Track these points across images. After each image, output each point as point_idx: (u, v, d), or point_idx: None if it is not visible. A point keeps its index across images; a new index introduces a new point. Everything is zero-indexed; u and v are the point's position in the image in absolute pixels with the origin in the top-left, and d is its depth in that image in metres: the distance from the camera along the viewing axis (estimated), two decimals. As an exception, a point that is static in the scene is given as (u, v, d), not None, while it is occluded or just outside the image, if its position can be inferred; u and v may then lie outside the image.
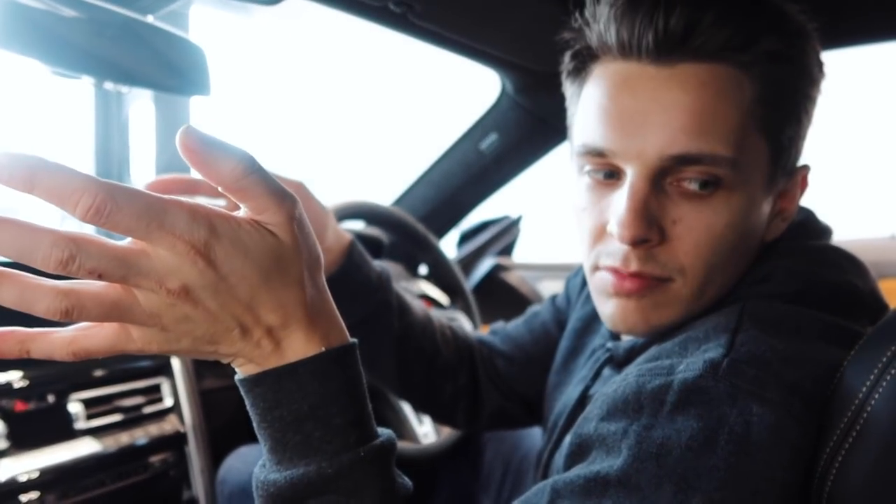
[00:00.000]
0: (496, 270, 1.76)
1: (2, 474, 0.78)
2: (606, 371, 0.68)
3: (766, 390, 0.47)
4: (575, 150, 0.60)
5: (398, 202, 1.53)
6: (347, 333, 0.45)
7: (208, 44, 0.79)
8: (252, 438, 0.62)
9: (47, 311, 0.35)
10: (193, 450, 0.99)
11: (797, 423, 0.46)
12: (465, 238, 1.78)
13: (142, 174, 1.37)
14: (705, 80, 0.53)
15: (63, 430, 0.86)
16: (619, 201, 0.55)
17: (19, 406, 0.83)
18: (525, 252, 1.95)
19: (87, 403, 0.89)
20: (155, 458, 0.95)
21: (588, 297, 0.80)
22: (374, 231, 1.39)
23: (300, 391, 0.41)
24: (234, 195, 0.39)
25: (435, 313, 0.91)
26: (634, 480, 0.45)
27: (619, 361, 0.65)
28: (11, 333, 0.37)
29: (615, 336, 0.69)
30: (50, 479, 0.81)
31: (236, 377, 0.43)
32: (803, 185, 0.62)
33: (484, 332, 1.01)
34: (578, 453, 0.51)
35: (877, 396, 0.45)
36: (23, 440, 0.82)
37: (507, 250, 1.87)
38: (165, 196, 0.36)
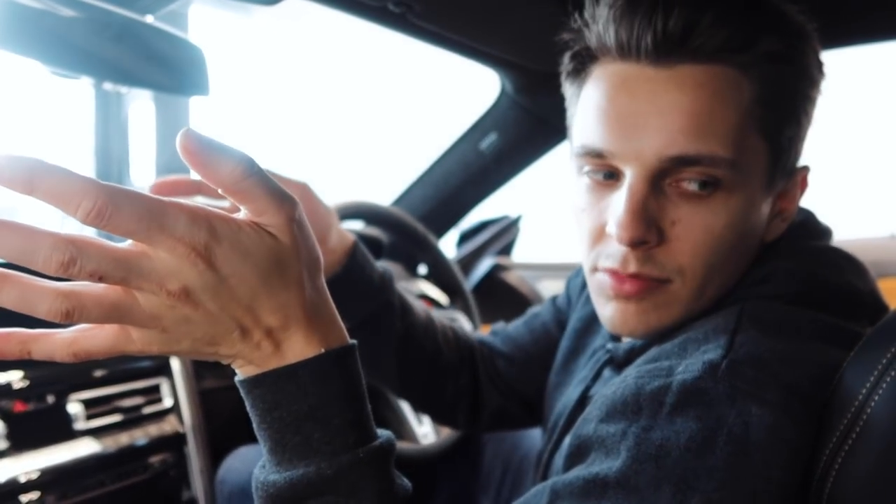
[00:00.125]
0: (495, 270, 1.76)
1: (2, 475, 0.78)
2: (607, 372, 0.68)
3: (765, 391, 0.47)
4: (574, 151, 0.60)
5: (398, 202, 1.53)
6: (347, 335, 0.45)
7: (208, 44, 0.79)
8: (252, 439, 0.62)
9: (48, 312, 0.35)
10: (193, 450, 0.99)
11: (796, 424, 0.46)
12: (464, 238, 1.77)
13: (141, 174, 1.37)
14: (704, 81, 0.53)
15: (63, 431, 0.86)
16: (618, 202, 0.55)
17: (19, 406, 0.83)
18: (524, 252, 1.95)
19: (87, 404, 0.89)
20: (154, 459, 0.95)
21: (588, 298, 0.80)
22: (374, 231, 1.39)
23: (300, 392, 0.41)
24: (234, 197, 0.39)
25: (435, 314, 0.91)
26: (633, 482, 0.45)
27: (619, 362, 0.65)
28: (13, 334, 0.37)
29: (615, 337, 0.68)
30: (50, 480, 0.82)
31: (236, 378, 0.43)
32: (803, 185, 0.62)
33: (484, 332, 1.01)
34: (577, 454, 0.51)
35: (877, 397, 0.45)
36: (23, 440, 0.82)
37: (507, 250, 1.87)
38: (166, 198, 0.36)
